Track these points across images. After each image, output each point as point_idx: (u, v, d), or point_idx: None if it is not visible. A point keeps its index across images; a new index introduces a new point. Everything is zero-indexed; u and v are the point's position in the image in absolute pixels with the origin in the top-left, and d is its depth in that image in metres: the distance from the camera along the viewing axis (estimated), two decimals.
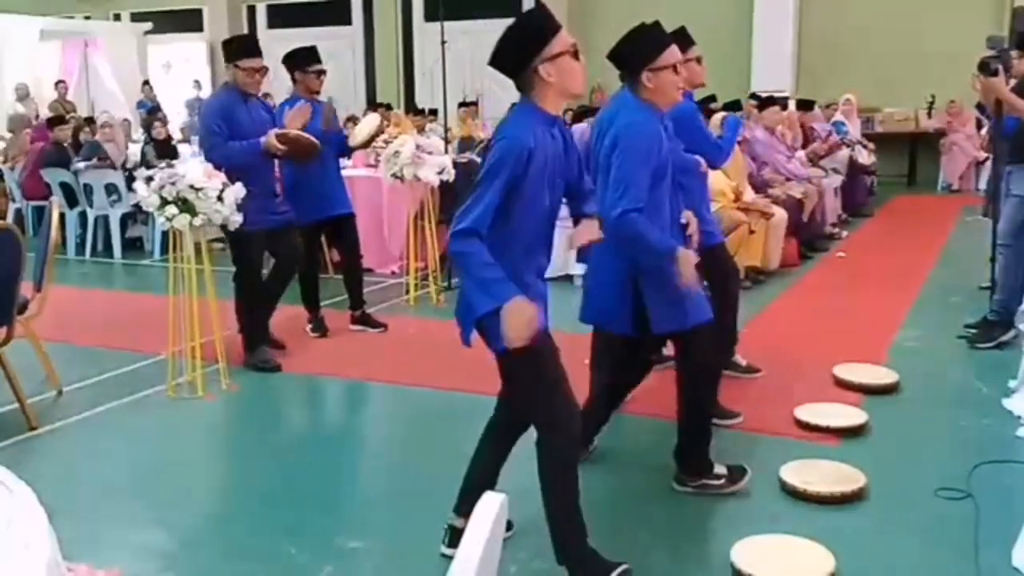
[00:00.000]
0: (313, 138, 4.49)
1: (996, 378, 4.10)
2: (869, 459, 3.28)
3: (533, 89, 2.38)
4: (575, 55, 2.39)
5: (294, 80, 4.93)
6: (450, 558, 2.51)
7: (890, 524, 2.88)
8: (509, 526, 2.67)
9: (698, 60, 3.72)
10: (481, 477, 2.68)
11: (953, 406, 3.93)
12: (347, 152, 5.32)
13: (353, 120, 9.40)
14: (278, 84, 4.94)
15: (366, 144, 5.22)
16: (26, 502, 1.23)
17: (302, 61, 4.94)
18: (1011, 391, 3.91)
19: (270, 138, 4.31)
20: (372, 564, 2.74)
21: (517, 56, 2.37)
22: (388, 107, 11.53)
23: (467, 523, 2.57)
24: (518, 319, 2.25)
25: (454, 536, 2.62)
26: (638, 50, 2.90)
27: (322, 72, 4.96)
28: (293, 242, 4.67)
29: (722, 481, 3.11)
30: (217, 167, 4.19)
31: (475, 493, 2.60)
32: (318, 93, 5.00)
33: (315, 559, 2.74)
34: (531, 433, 2.68)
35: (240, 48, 4.56)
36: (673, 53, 2.92)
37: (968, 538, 2.74)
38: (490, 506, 1.24)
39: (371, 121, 5.25)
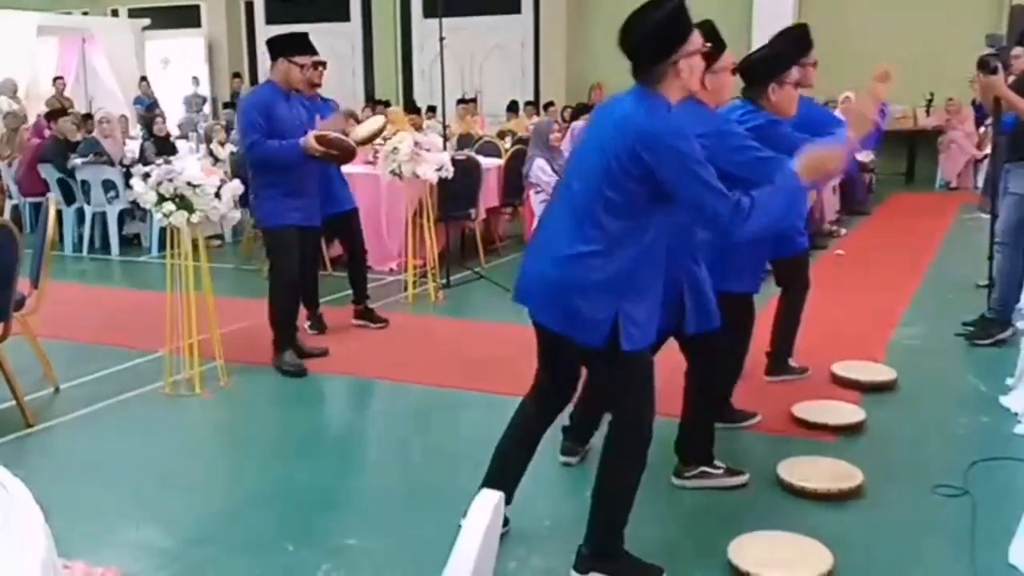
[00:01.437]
0: (351, 141, 4.47)
1: (994, 375, 4.11)
2: (867, 456, 3.29)
3: (662, 82, 2.34)
4: (704, 56, 2.42)
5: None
6: None
7: (887, 521, 2.89)
8: (505, 522, 2.67)
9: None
10: (505, 478, 2.65)
11: (951, 404, 3.93)
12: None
13: (353, 116, 9.40)
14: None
15: (363, 143, 5.21)
16: (22, 500, 1.22)
17: (286, 49, 4.85)
18: (1008, 388, 3.92)
19: (309, 139, 4.26)
20: (370, 561, 2.74)
21: (663, 44, 2.33)
22: (386, 104, 11.52)
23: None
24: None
25: None
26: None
27: (320, 64, 4.89)
28: (317, 244, 4.71)
29: (721, 471, 3.13)
30: (255, 163, 4.28)
31: (507, 476, 2.63)
32: (313, 88, 4.92)
33: (313, 556, 2.74)
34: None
35: (294, 43, 4.59)
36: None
37: (965, 535, 2.74)
38: (486, 503, 1.24)
39: (375, 122, 5.29)
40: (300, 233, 4.42)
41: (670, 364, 3.27)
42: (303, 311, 5.10)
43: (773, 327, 4.12)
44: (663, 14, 2.33)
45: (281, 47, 4.40)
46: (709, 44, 2.60)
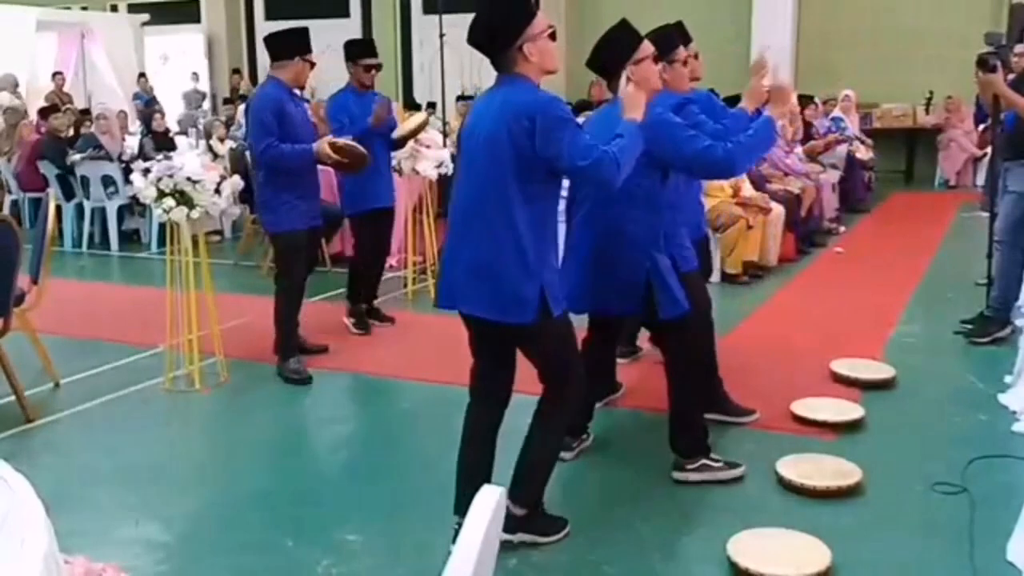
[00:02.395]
0: (363, 149, 4.39)
1: (992, 373, 4.11)
2: (865, 454, 3.29)
3: (515, 67, 2.52)
4: (552, 36, 2.55)
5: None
6: None
7: (886, 518, 2.89)
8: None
9: (695, 56, 3.75)
10: (477, 473, 2.67)
11: (949, 401, 3.93)
12: (395, 145, 5.23)
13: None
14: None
15: (408, 137, 5.21)
16: (23, 495, 1.23)
17: (355, 53, 5.02)
18: (1007, 386, 3.92)
19: (323, 145, 4.21)
20: (370, 557, 2.75)
21: (503, 35, 2.50)
22: (432, 105, 11.44)
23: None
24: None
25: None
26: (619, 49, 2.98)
27: (371, 67, 4.99)
28: (319, 242, 4.64)
29: (720, 463, 3.15)
30: (267, 167, 4.18)
31: (474, 489, 2.64)
32: (369, 87, 5.01)
33: (313, 552, 2.74)
34: (516, 426, 2.69)
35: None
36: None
37: (963, 532, 2.75)
38: (488, 499, 1.24)
39: (418, 117, 5.33)
40: (307, 235, 4.38)
41: (655, 359, 3.30)
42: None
43: None
44: (500, 3, 2.52)
45: (292, 46, 4.28)
46: (629, 37, 2.94)
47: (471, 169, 2.57)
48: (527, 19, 2.49)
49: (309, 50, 4.32)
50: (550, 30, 2.54)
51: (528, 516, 2.69)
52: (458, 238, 2.59)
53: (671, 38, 3.32)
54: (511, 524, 2.63)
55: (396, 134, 5.09)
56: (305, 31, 4.38)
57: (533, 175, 2.47)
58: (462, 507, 2.67)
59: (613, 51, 2.95)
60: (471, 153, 2.57)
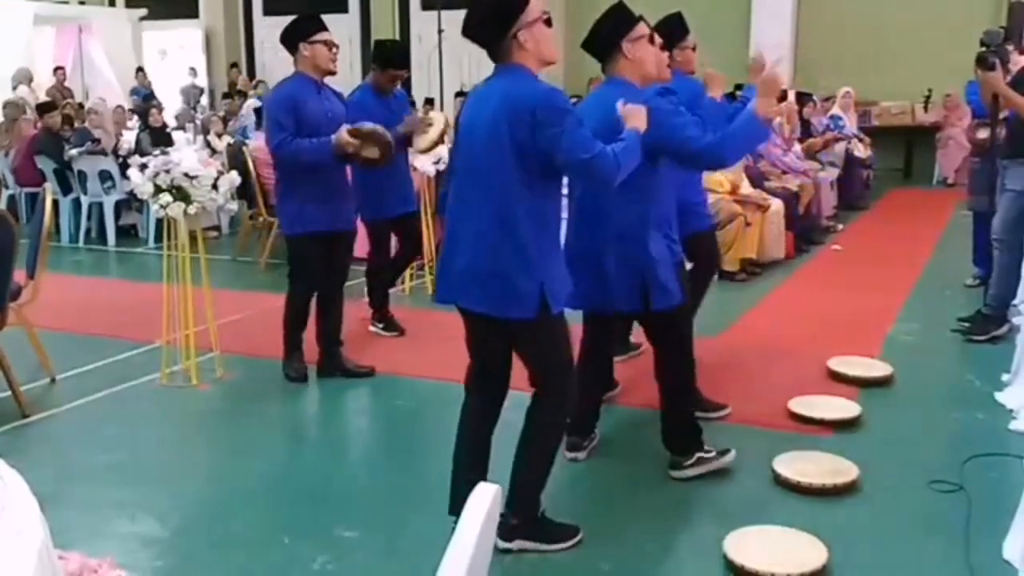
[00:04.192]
0: (389, 136, 4.08)
1: (989, 372, 4.12)
2: (862, 451, 3.30)
3: (511, 57, 2.47)
4: (548, 22, 2.49)
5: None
6: None
7: (883, 516, 2.89)
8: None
9: (693, 48, 3.76)
10: (472, 471, 2.66)
11: (946, 399, 3.94)
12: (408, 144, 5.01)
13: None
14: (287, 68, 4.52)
15: (430, 149, 5.06)
16: (18, 490, 1.22)
17: (385, 62, 4.81)
18: (1004, 385, 3.93)
19: (341, 133, 3.87)
20: (366, 554, 2.74)
21: (496, 23, 2.44)
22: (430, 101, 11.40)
23: None
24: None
25: None
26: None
27: (397, 77, 4.81)
28: (346, 255, 4.25)
29: (713, 453, 3.17)
30: (283, 164, 3.99)
31: (469, 488, 2.63)
32: (390, 94, 4.83)
33: (309, 548, 2.74)
34: (513, 423, 2.69)
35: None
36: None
37: (960, 530, 2.75)
38: (483, 497, 1.24)
39: (438, 124, 5.06)
40: (327, 240, 4.06)
41: (649, 357, 3.29)
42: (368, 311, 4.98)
43: None
44: None
45: (296, 34, 4.01)
46: (625, 16, 2.91)
47: (469, 162, 2.52)
48: (521, 5, 2.43)
49: (313, 32, 3.98)
50: (545, 16, 2.47)
51: (527, 523, 2.62)
52: (456, 233, 2.55)
53: (678, 25, 3.35)
54: (508, 532, 2.59)
55: (419, 147, 4.93)
56: (304, 17, 4.11)
57: (533, 169, 2.42)
58: (457, 506, 2.64)
59: (609, 29, 2.92)
60: (469, 146, 2.52)
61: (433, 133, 4.98)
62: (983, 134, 5.18)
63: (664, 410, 3.19)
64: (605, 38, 2.94)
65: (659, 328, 3.11)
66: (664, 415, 3.19)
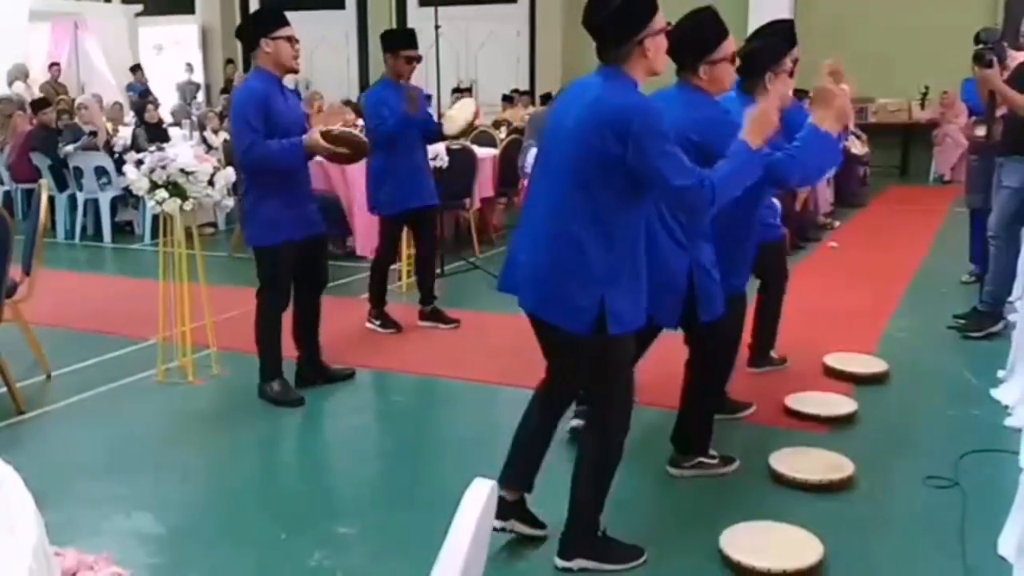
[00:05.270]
0: (363, 137, 3.98)
1: (985, 368, 4.13)
2: (858, 448, 3.30)
3: (628, 61, 2.33)
4: (668, 35, 2.39)
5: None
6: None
7: (878, 512, 2.90)
8: (539, 524, 2.69)
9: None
10: (527, 454, 2.65)
11: (942, 396, 3.95)
12: (435, 138, 5.00)
13: (349, 103, 9.34)
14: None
15: (463, 133, 4.97)
16: (13, 486, 1.22)
17: (395, 43, 4.78)
18: (999, 381, 3.93)
19: (314, 136, 3.69)
20: (362, 550, 2.74)
21: (628, 23, 2.31)
22: (468, 90, 11.36)
23: (511, 494, 2.59)
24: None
25: (498, 507, 2.63)
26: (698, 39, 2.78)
27: (412, 59, 4.72)
28: (325, 258, 4.09)
29: (716, 460, 3.16)
30: (253, 169, 3.71)
31: (523, 463, 2.64)
32: (407, 79, 4.77)
33: (305, 544, 2.74)
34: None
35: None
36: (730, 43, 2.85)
37: (955, 526, 2.76)
38: (479, 493, 1.24)
39: (467, 107, 4.96)
40: (300, 247, 3.84)
41: (655, 356, 3.29)
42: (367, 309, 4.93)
43: (754, 319, 4.11)
44: None
45: (256, 29, 3.78)
46: (714, 31, 2.71)
47: (549, 159, 2.43)
48: (654, 11, 2.33)
49: (275, 27, 3.74)
50: (669, 27, 2.38)
51: (585, 541, 2.55)
52: (526, 226, 2.48)
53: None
54: (567, 551, 2.55)
55: (448, 131, 4.83)
56: (265, 11, 3.94)
57: (613, 182, 2.29)
58: (504, 478, 2.64)
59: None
60: (553, 143, 2.42)
61: (461, 119, 4.91)
62: (981, 131, 5.20)
63: (683, 408, 3.16)
64: (692, 49, 2.73)
65: (703, 336, 3.01)
66: (682, 414, 3.17)
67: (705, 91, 2.80)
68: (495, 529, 2.60)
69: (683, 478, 3.14)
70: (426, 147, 4.96)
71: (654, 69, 2.38)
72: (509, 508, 2.64)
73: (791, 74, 3.26)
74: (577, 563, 2.55)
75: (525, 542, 2.70)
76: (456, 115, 4.96)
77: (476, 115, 4.96)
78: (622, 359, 2.49)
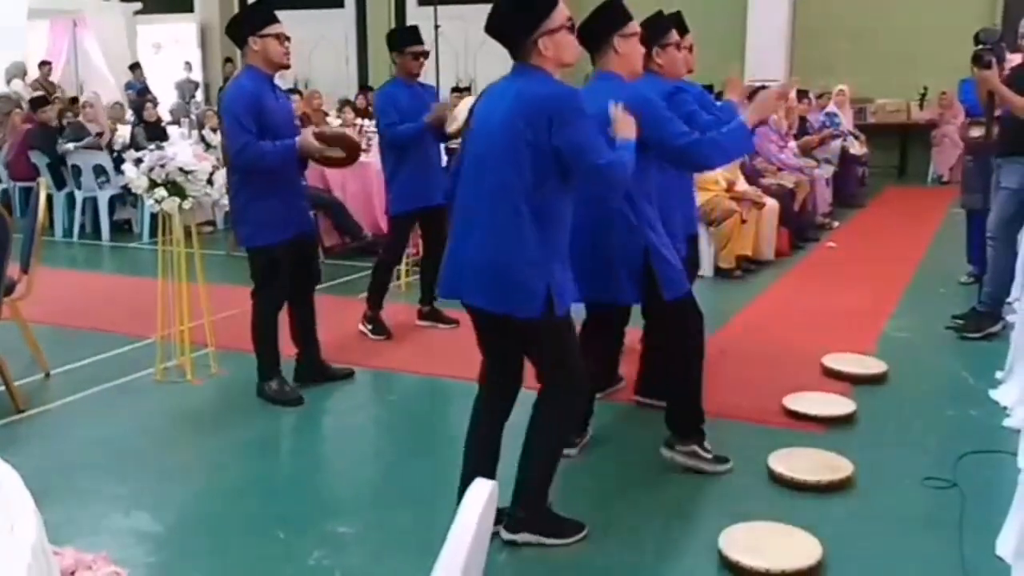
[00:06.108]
0: (356, 138, 3.97)
1: (983, 369, 4.13)
2: (856, 448, 3.30)
3: (531, 59, 2.48)
4: (571, 29, 2.52)
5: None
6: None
7: (876, 512, 2.90)
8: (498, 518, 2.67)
9: (690, 48, 3.75)
10: (481, 465, 2.66)
11: (940, 396, 3.95)
12: (446, 138, 4.95)
13: (349, 104, 9.34)
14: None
15: (458, 134, 5.05)
16: (11, 485, 1.22)
17: (401, 41, 4.75)
18: (998, 382, 3.94)
19: (307, 137, 3.70)
20: (361, 549, 2.74)
21: (519, 26, 2.46)
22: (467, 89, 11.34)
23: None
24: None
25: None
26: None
27: (420, 54, 4.73)
28: (316, 257, 4.14)
29: (710, 456, 3.16)
30: (245, 169, 3.68)
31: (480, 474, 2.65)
32: (417, 76, 4.78)
33: (304, 543, 2.74)
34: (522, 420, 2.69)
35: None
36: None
37: (953, 527, 2.76)
38: (479, 493, 1.24)
39: (467, 105, 5.06)
40: (293, 245, 3.82)
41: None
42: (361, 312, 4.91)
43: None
44: None
45: (245, 26, 3.75)
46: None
47: (480, 157, 2.51)
48: (545, 12, 2.45)
49: (264, 24, 3.70)
50: (569, 23, 2.49)
51: (533, 516, 2.64)
52: (463, 227, 2.54)
53: (662, 22, 3.37)
54: (514, 524, 2.62)
55: (451, 129, 4.80)
56: (254, 8, 3.88)
57: (546, 168, 2.41)
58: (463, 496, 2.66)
59: (601, 22, 2.96)
60: (481, 140, 2.51)
61: (462, 117, 4.92)
62: (975, 132, 5.21)
63: (670, 396, 3.24)
64: (598, 31, 2.97)
65: (669, 318, 3.09)
66: (669, 400, 3.24)
67: (620, 76, 2.97)
68: None
69: (680, 477, 3.13)
70: (439, 145, 4.94)
71: (562, 62, 2.51)
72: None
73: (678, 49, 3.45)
74: (523, 536, 2.63)
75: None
76: (459, 114, 4.95)
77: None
78: (572, 337, 2.62)
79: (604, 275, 2.97)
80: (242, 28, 3.75)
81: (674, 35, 3.38)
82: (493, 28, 2.51)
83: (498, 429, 2.72)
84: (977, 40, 4.56)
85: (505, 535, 2.62)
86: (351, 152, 3.91)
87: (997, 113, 4.65)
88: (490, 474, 2.66)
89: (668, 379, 3.22)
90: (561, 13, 2.46)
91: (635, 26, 2.98)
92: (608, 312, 3.25)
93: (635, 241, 2.94)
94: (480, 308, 2.55)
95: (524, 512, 2.64)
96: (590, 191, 2.83)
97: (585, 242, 2.95)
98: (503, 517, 2.63)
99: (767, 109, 3.01)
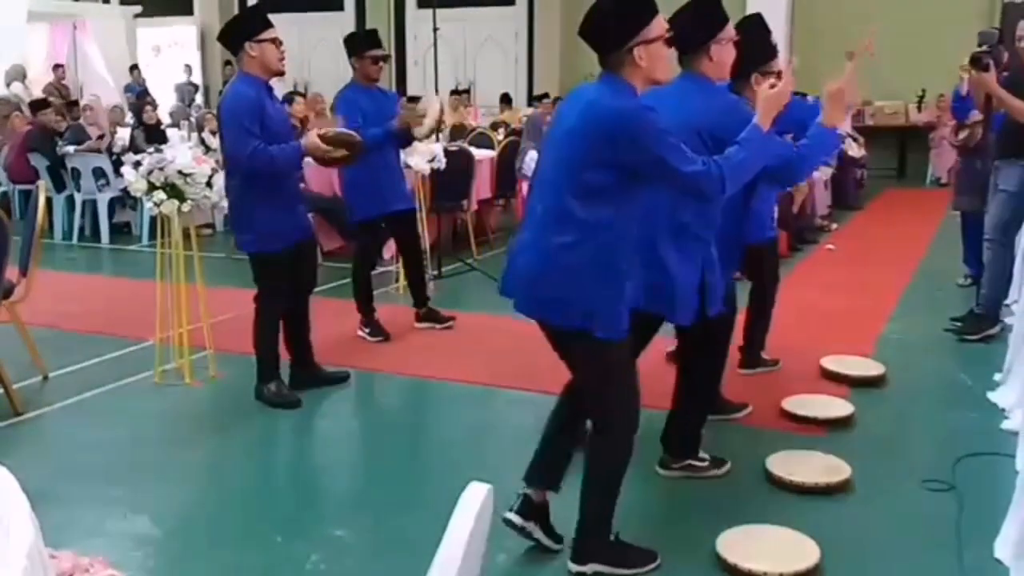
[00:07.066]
0: (358, 137, 3.95)
1: (982, 371, 4.13)
2: (855, 451, 3.30)
3: (622, 69, 2.33)
4: (669, 42, 2.34)
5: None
6: (512, 524, 2.55)
7: (875, 515, 2.90)
8: (558, 539, 2.67)
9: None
10: (555, 445, 2.66)
11: (939, 399, 3.95)
12: (407, 143, 4.97)
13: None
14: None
15: (432, 132, 4.99)
16: (8, 488, 1.21)
17: (360, 46, 4.73)
18: (996, 384, 3.94)
19: (312, 139, 3.71)
20: (358, 552, 2.74)
21: (616, 32, 2.31)
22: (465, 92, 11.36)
23: (536, 494, 2.61)
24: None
25: (523, 505, 2.64)
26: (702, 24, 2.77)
27: (378, 59, 4.70)
28: (315, 261, 4.18)
29: (706, 463, 3.16)
30: (254, 173, 3.66)
31: (546, 461, 2.66)
32: (376, 80, 4.76)
33: (301, 547, 2.74)
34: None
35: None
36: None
37: (951, 529, 2.76)
38: (475, 496, 1.24)
39: (433, 110, 4.95)
40: (297, 250, 3.86)
41: (651, 358, 3.29)
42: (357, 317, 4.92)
43: (746, 321, 4.09)
44: (619, 1, 2.32)
45: (240, 32, 3.74)
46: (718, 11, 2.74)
47: (546, 164, 2.44)
48: (646, 19, 2.29)
49: (260, 30, 3.69)
50: (669, 35, 2.33)
51: (595, 546, 2.54)
52: (524, 227, 2.48)
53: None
54: (580, 556, 2.54)
55: (419, 134, 4.83)
56: (248, 13, 3.84)
57: (605, 184, 2.28)
58: (528, 477, 2.67)
59: (698, 27, 2.70)
60: (550, 148, 2.44)
61: (429, 120, 4.93)
62: (962, 135, 5.25)
63: (674, 409, 3.16)
64: (695, 38, 2.71)
65: (703, 333, 2.95)
66: (673, 414, 3.17)
67: (710, 79, 2.78)
68: (515, 527, 2.62)
69: (677, 481, 3.13)
70: (398, 151, 4.93)
71: (652, 77, 2.35)
72: (533, 509, 2.64)
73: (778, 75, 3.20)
74: (591, 567, 2.53)
75: (522, 542, 2.69)
76: (426, 123, 4.96)
77: (441, 113, 4.96)
78: (621, 358, 2.45)
79: (658, 288, 2.69)
80: (237, 34, 3.74)
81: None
82: (588, 31, 2.36)
83: (572, 426, 2.67)
84: (979, 43, 4.57)
85: (573, 567, 2.53)
86: (353, 151, 3.91)
87: (979, 117, 4.66)
88: (554, 477, 2.67)
89: (683, 398, 3.13)
90: (661, 24, 2.31)
91: (731, 31, 2.80)
92: (647, 323, 2.98)
93: (696, 257, 2.74)
94: (527, 313, 2.46)
95: (586, 542, 2.54)
96: (695, 198, 2.61)
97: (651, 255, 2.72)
98: (529, 510, 2.62)
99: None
